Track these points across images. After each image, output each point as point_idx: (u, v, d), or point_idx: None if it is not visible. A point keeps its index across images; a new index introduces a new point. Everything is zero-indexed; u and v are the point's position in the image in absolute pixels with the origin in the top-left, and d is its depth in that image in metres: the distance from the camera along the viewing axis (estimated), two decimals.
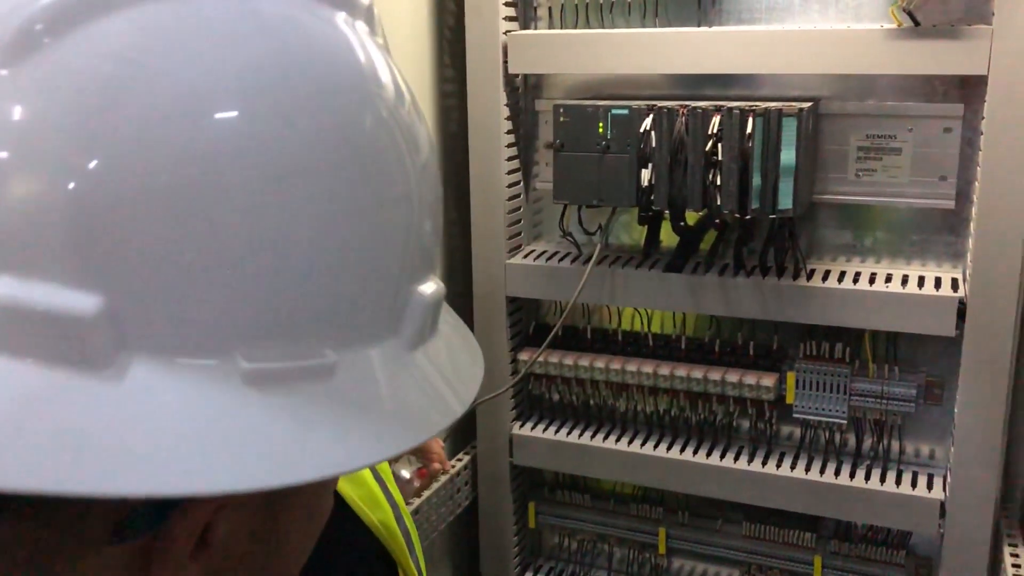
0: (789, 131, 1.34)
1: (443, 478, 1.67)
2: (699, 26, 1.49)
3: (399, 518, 0.78)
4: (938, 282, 1.41)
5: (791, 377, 1.53)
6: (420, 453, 1.27)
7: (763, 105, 1.36)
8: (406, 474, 1.27)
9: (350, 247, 0.42)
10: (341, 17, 0.46)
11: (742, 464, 1.56)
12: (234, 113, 0.39)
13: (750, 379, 1.53)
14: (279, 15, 0.43)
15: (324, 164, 0.41)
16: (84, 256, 0.36)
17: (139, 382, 0.36)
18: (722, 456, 1.58)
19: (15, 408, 0.35)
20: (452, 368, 0.52)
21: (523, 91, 1.65)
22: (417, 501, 1.59)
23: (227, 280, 0.38)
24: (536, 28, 1.61)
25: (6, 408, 0.35)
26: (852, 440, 1.55)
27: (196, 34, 0.39)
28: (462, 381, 0.53)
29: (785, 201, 1.36)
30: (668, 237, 1.54)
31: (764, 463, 1.55)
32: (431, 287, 0.48)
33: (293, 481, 0.38)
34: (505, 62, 1.55)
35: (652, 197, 1.44)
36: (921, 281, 1.42)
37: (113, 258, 0.36)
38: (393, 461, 1.27)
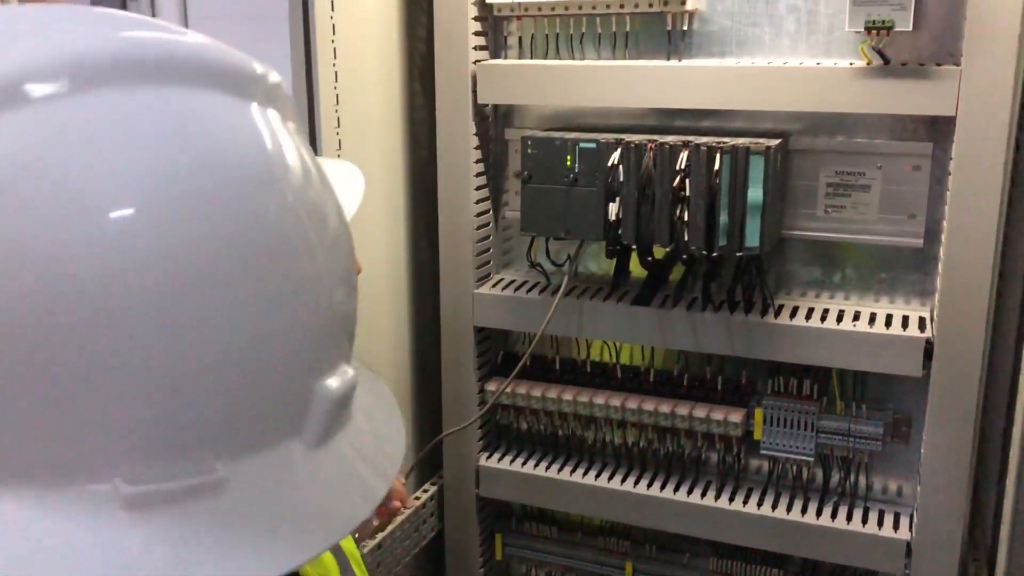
0: (756, 169, 1.33)
1: (407, 511, 1.64)
2: (669, 59, 1.47)
3: None
4: (905, 321, 1.41)
5: (759, 413, 1.52)
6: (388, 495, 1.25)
7: (731, 142, 1.35)
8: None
9: (247, 354, 0.39)
10: (253, 107, 0.44)
11: (709, 500, 1.54)
12: (128, 221, 0.36)
13: (718, 415, 1.52)
14: (184, 112, 0.41)
15: (223, 270, 0.38)
16: None
17: (8, 519, 0.34)
18: (689, 491, 1.57)
19: None
20: (373, 443, 0.50)
21: (493, 119, 1.63)
22: (381, 535, 1.56)
23: (102, 400, 0.35)
24: (507, 58, 1.59)
25: None
26: (820, 475, 1.54)
27: (97, 134, 0.37)
28: (384, 454, 0.51)
29: (752, 239, 1.35)
30: (638, 268, 1.53)
31: (731, 499, 1.54)
32: (339, 379, 0.45)
33: None
34: (474, 91, 1.53)
35: (620, 231, 1.43)
36: (889, 320, 1.41)
37: None
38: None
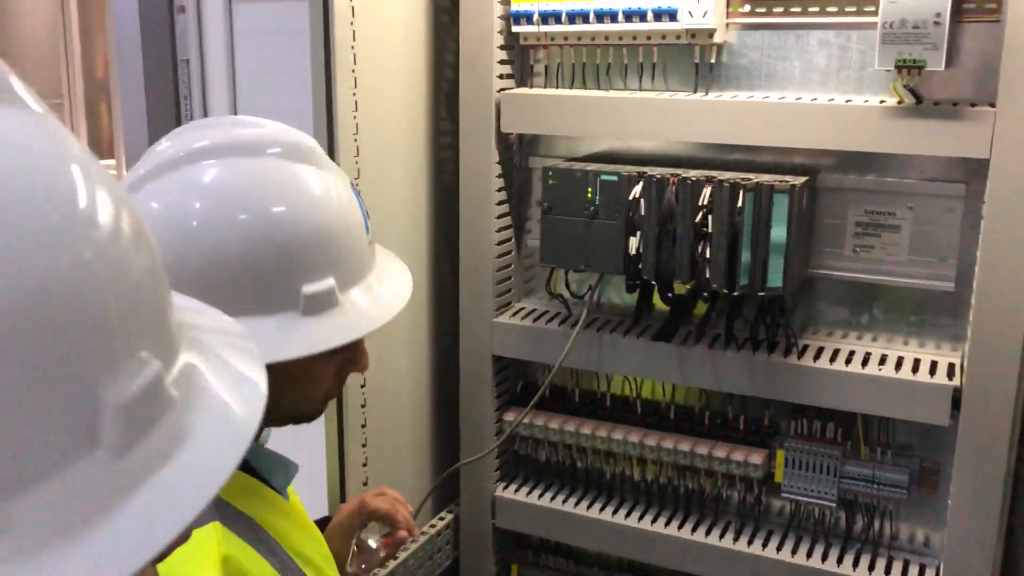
0: (780, 208, 1.29)
1: (421, 539, 1.63)
2: (696, 91, 1.45)
3: None
4: (934, 367, 1.36)
5: (780, 455, 1.48)
6: (387, 520, 1.23)
7: (755, 179, 1.32)
8: (372, 543, 1.24)
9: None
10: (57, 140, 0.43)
11: (727, 542, 1.51)
12: None
13: (738, 455, 1.48)
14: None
15: None
16: None
17: None
18: (708, 531, 1.53)
19: None
20: (215, 428, 0.47)
21: (518, 148, 1.62)
22: (394, 562, 1.55)
23: None
24: (533, 86, 1.58)
25: None
26: (843, 520, 1.49)
27: None
28: (228, 438, 0.47)
29: (775, 279, 1.31)
30: (660, 300, 1.50)
31: (750, 541, 1.50)
32: (137, 379, 0.42)
33: None
34: (498, 120, 1.52)
35: (640, 266, 1.40)
36: (916, 365, 1.37)
37: None
38: (360, 531, 1.23)
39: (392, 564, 1.55)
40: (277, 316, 0.84)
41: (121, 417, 0.41)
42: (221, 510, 0.82)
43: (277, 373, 0.83)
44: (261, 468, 0.93)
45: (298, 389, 0.91)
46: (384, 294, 0.93)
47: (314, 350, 0.84)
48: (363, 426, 1.47)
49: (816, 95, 1.38)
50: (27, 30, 4.13)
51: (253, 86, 2.40)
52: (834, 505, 1.45)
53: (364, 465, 1.48)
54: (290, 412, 0.93)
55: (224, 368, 0.51)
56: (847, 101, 1.33)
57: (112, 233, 0.43)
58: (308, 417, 0.96)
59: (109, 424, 0.41)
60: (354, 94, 1.34)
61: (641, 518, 1.57)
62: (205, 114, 2.52)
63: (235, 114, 2.45)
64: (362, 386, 1.46)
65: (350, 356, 0.93)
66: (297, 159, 0.89)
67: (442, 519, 1.71)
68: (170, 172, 0.85)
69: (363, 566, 1.22)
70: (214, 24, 2.43)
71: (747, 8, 1.41)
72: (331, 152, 1.34)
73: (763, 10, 1.39)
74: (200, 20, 2.47)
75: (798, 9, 1.37)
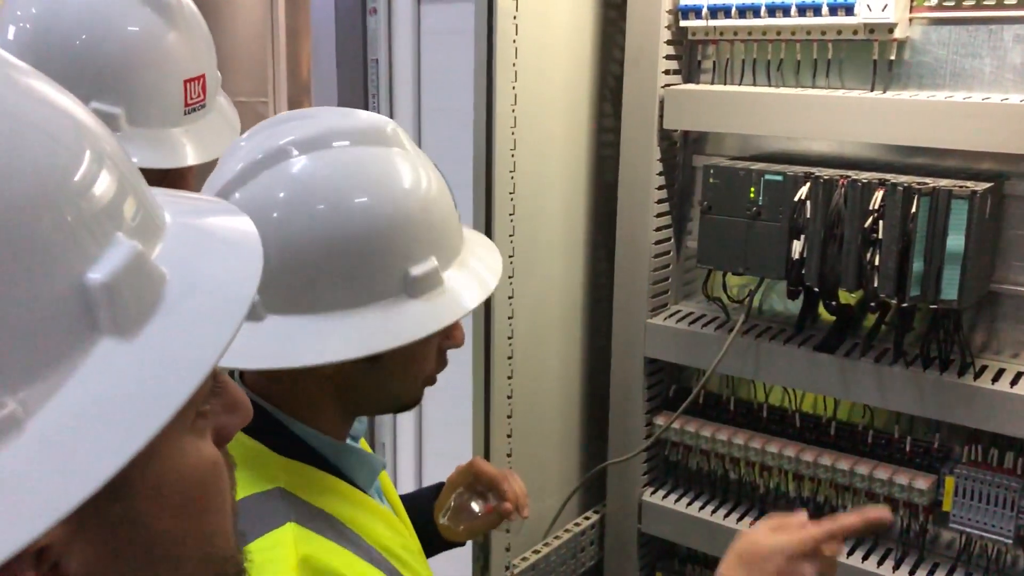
0: (959, 215, 1.20)
1: (565, 536, 1.62)
2: (873, 90, 1.36)
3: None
4: None
5: (950, 482, 1.37)
6: (490, 486, 1.20)
7: (932, 183, 1.23)
8: (474, 505, 1.22)
9: None
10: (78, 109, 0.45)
11: (887, 569, 1.41)
12: None
13: (902, 478, 1.38)
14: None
15: None
16: None
17: None
18: (865, 557, 1.44)
19: None
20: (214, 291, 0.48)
21: (682, 146, 1.58)
22: (534, 556, 1.56)
23: None
24: (700, 83, 1.54)
25: None
26: (1022, 557, 1.37)
27: None
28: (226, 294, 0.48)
29: (949, 291, 1.22)
30: (825, 309, 1.43)
31: (912, 572, 1.40)
32: (106, 264, 0.43)
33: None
34: (661, 116, 1.49)
35: (803, 271, 1.34)
36: None
37: None
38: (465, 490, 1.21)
39: (534, 557, 1.56)
40: (383, 303, 0.84)
41: (110, 296, 0.42)
42: (297, 509, 0.83)
43: (386, 361, 0.85)
44: (343, 466, 0.92)
45: (405, 373, 0.92)
46: (480, 269, 0.93)
47: (430, 330, 0.85)
48: (509, 417, 1.48)
49: (1009, 95, 1.27)
50: (240, 33, 4.43)
51: (437, 84, 2.47)
52: (1010, 542, 1.33)
53: (509, 456, 1.49)
54: (395, 399, 0.95)
55: (213, 230, 0.51)
56: None
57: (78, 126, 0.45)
58: (410, 403, 0.97)
59: (102, 305, 0.42)
60: (513, 87, 1.35)
61: None
62: (391, 112, 2.61)
63: (420, 112, 2.54)
64: (509, 378, 1.47)
65: (446, 332, 0.92)
66: (381, 143, 0.88)
67: (587, 519, 1.70)
68: (254, 175, 0.84)
69: (453, 521, 1.19)
70: (403, 24, 2.52)
71: (934, 2, 1.31)
72: (488, 145, 1.36)
73: (952, 3, 1.30)
74: (390, 21, 2.57)
75: (992, 2, 1.27)
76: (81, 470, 0.38)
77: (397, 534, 0.97)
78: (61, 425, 0.39)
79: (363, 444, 1.05)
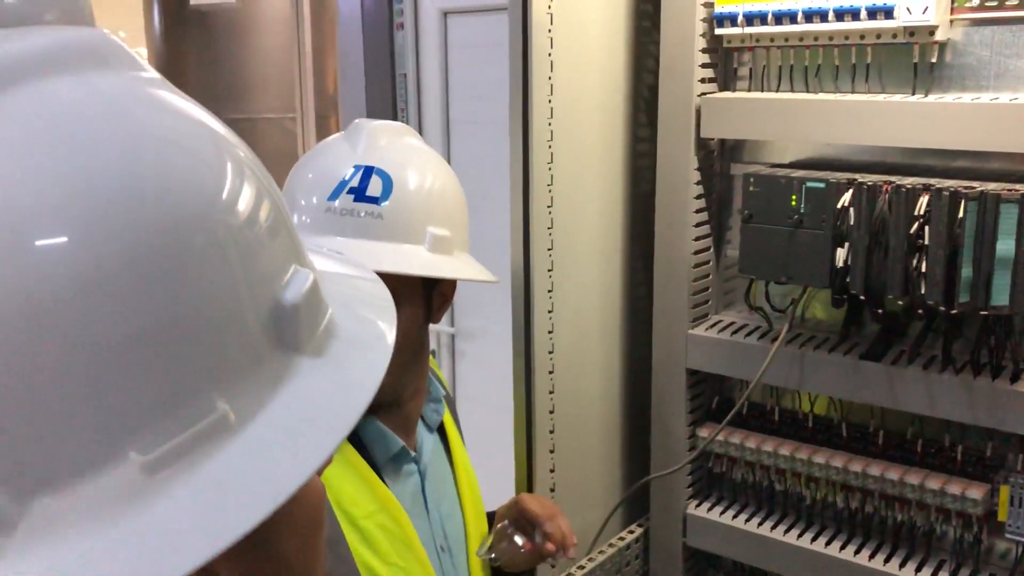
0: (1008, 218, 1.17)
1: (609, 551, 1.61)
2: (915, 94, 1.34)
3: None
4: None
5: (1004, 491, 1.34)
6: (534, 523, 1.19)
7: (979, 187, 1.20)
8: (517, 539, 1.21)
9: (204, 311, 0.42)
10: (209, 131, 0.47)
11: None
12: (63, 240, 0.39)
13: (955, 488, 1.36)
14: (145, 133, 0.43)
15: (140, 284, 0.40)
16: None
17: (52, 521, 0.37)
18: (918, 568, 1.41)
19: None
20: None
21: (719, 154, 1.56)
22: (579, 573, 1.54)
23: (77, 392, 0.38)
24: (736, 90, 1.52)
25: None
26: None
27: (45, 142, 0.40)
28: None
29: (1000, 296, 1.19)
30: (870, 317, 1.40)
31: None
32: (294, 287, 0.47)
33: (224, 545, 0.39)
34: (698, 125, 1.48)
35: (847, 279, 1.32)
36: None
37: None
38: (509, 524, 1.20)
39: (579, 573, 1.54)
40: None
41: (297, 316, 0.46)
42: None
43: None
44: (363, 437, 1.05)
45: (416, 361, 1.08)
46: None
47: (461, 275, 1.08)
48: (551, 432, 1.47)
49: None
50: (267, 49, 4.47)
51: (465, 97, 2.47)
52: None
53: (552, 471, 1.48)
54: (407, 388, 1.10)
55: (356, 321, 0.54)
56: None
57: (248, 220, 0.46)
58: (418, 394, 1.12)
59: (290, 325, 0.46)
60: (550, 101, 1.35)
61: (843, 548, 1.47)
62: (420, 126, 2.62)
63: (448, 125, 2.54)
64: (551, 392, 1.45)
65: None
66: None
67: (632, 532, 1.68)
68: None
69: (492, 554, 1.18)
70: (430, 39, 2.52)
71: (976, 2, 1.29)
72: (525, 158, 1.35)
73: (995, 3, 1.27)
74: (417, 36, 2.57)
75: None
76: (280, 479, 0.41)
77: (380, 510, 1.02)
78: (265, 432, 0.43)
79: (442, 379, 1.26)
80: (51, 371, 0.37)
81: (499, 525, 1.19)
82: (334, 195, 1.04)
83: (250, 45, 4.30)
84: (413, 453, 1.12)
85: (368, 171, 1.04)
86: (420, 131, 2.58)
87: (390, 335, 0.52)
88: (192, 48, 4.16)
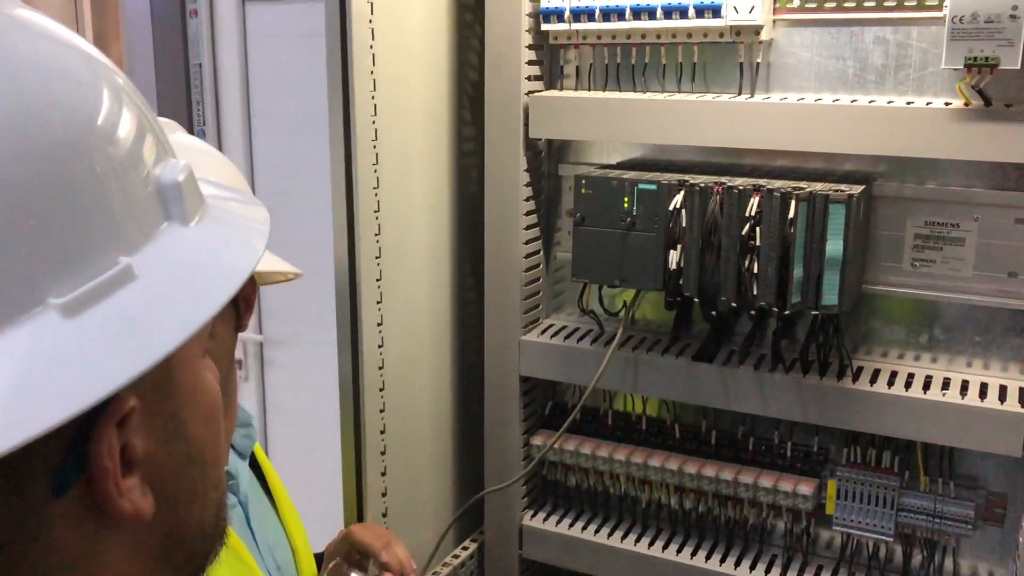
0: (837, 219, 1.19)
1: (444, 570, 1.53)
2: (740, 93, 1.34)
3: None
4: (1003, 392, 1.25)
5: (832, 486, 1.37)
6: (369, 554, 1.11)
7: (808, 188, 1.21)
8: None
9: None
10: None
11: (775, 575, 1.40)
12: None
13: (786, 485, 1.37)
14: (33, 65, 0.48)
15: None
16: None
17: None
18: (752, 565, 1.42)
19: None
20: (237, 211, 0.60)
21: (547, 154, 1.52)
22: None
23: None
24: (563, 88, 1.48)
25: None
26: (899, 553, 1.38)
27: None
28: (248, 220, 0.60)
29: (830, 296, 1.21)
30: (701, 318, 1.40)
31: None
32: (165, 169, 0.52)
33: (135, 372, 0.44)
34: (526, 125, 1.42)
35: (681, 282, 1.30)
36: (984, 389, 1.26)
37: None
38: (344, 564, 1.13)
39: None
40: None
41: (174, 193, 0.52)
42: None
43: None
44: None
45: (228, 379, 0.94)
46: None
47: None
48: (382, 453, 1.37)
49: (873, 97, 1.28)
50: None
51: (267, 90, 2.32)
52: (891, 540, 1.35)
53: (384, 495, 1.39)
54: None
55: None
56: (908, 103, 1.23)
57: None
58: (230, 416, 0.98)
59: (170, 200, 0.52)
60: (373, 97, 1.25)
61: (680, 550, 1.47)
62: (218, 119, 2.44)
63: (250, 119, 2.37)
64: (381, 411, 1.36)
65: None
66: None
67: (466, 548, 1.61)
68: None
69: None
70: (227, 27, 2.35)
71: (796, 3, 1.30)
72: (348, 159, 1.24)
73: (813, 5, 1.29)
74: (213, 23, 2.39)
75: (852, 4, 1.27)
76: (184, 316, 0.48)
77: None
78: (164, 280, 0.49)
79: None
80: None
81: (331, 565, 1.09)
82: None
83: None
84: (232, 481, 1.01)
85: None
86: (218, 125, 2.40)
87: (265, 226, 0.59)
88: None
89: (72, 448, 0.45)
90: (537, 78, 1.45)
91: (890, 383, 1.28)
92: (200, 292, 0.50)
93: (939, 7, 1.19)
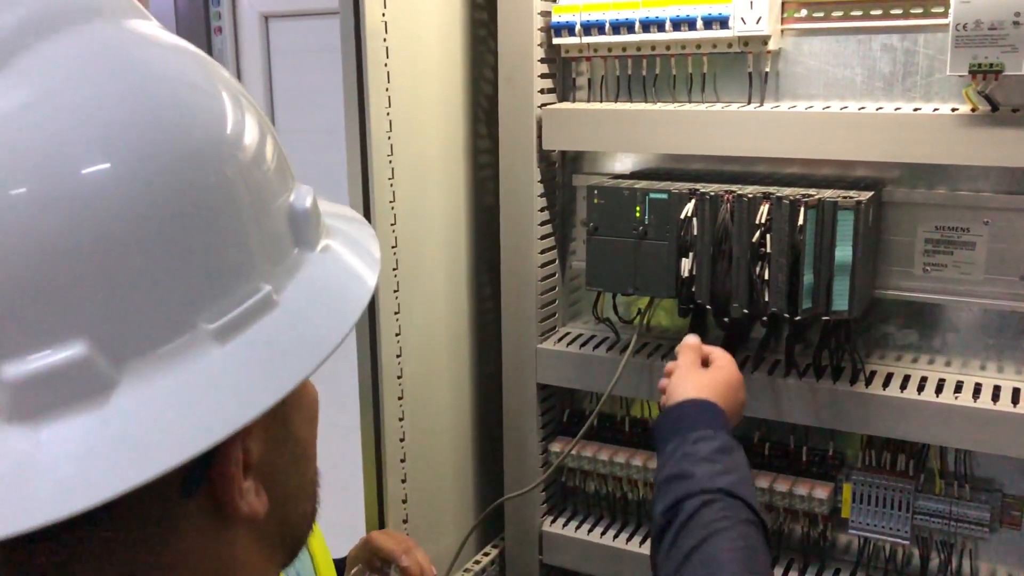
0: (845, 225, 1.20)
1: None
2: (750, 103, 1.36)
3: None
4: (1016, 394, 1.25)
5: (847, 489, 1.38)
6: (390, 560, 1.13)
7: (817, 195, 1.23)
8: None
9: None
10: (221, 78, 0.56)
11: None
12: (106, 166, 0.46)
13: (801, 489, 1.38)
14: (165, 76, 0.51)
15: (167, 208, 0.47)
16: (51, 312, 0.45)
17: (141, 387, 0.45)
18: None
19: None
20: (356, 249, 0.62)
21: (560, 165, 1.54)
22: None
23: (162, 279, 0.46)
24: (575, 100, 1.50)
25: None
26: (917, 556, 1.39)
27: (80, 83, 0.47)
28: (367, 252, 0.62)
29: (840, 302, 1.22)
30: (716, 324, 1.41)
31: None
32: (295, 197, 0.56)
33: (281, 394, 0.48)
34: (539, 137, 1.44)
35: (693, 289, 1.32)
36: (996, 392, 1.26)
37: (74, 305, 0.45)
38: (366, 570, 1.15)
39: None
40: None
41: (304, 221, 0.56)
42: None
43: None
44: None
45: None
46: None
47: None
48: (402, 461, 1.40)
49: (881, 104, 1.29)
50: None
51: (290, 105, 2.36)
52: (907, 543, 1.35)
53: (404, 502, 1.41)
54: None
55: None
56: (915, 110, 1.24)
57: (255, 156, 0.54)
58: None
59: (301, 227, 0.56)
60: (388, 113, 1.28)
61: None
62: None
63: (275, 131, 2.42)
64: (400, 419, 1.39)
65: None
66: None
67: (487, 554, 1.63)
68: None
69: None
70: (250, 44, 2.40)
71: (803, 13, 1.32)
72: (364, 173, 1.27)
73: (821, 14, 1.31)
74: (237, 40, 2.44)
75: (859, 12, 1.28)
76: (320, 339, 0.51)
77: None
78: (301, 305, 0.52)
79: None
80: (128, 266, 0.45)
81: (353, 571, 1.12)
82: None
83: None
84: None
85: None
86: None
87: (375, 239, 0.62)
88: None
89: (202, 454, 0.47)
90: (550, 91, 1.48)
91: (903, 387, 1.29)
92: (334, 315, 0.53)
93: (945, 14, 1.20)
